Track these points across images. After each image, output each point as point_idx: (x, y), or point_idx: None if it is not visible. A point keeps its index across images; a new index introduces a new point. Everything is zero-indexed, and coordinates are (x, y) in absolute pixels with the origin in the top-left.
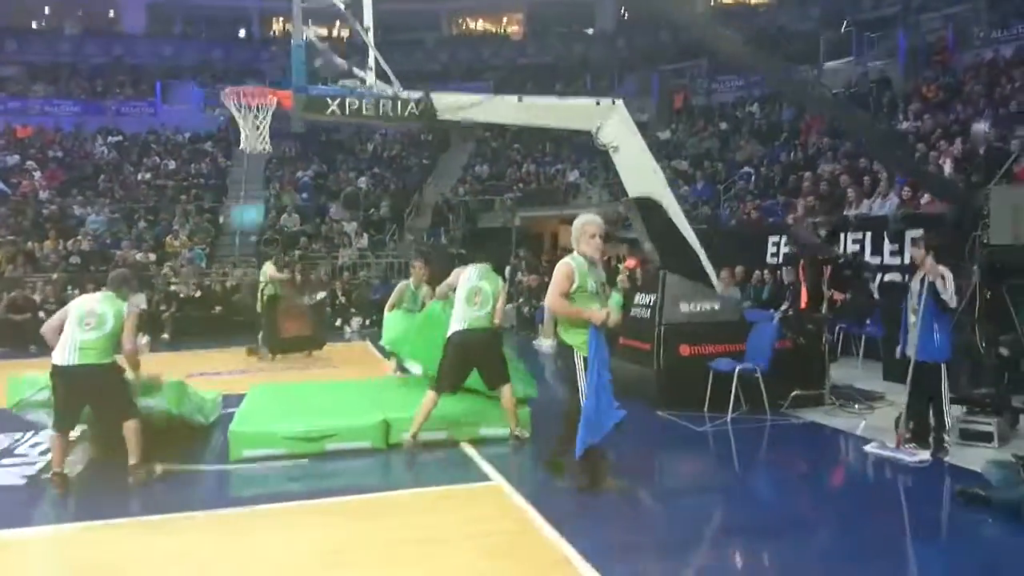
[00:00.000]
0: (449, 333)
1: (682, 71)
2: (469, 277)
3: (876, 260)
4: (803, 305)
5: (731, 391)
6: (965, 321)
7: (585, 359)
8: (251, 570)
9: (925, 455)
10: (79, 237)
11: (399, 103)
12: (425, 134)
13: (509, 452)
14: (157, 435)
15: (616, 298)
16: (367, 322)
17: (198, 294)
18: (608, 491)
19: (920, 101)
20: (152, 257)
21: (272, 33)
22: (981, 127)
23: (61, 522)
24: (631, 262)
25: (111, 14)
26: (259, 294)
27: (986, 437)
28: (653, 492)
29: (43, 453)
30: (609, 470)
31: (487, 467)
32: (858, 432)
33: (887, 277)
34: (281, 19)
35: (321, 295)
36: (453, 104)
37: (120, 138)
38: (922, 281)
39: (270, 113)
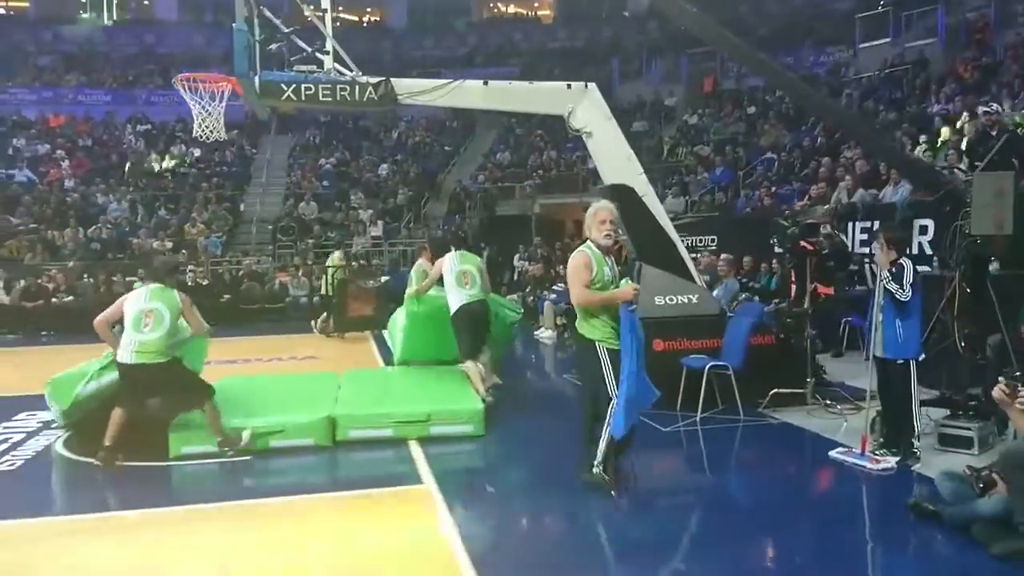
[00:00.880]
0: (453, 310)
1: (713, 54)
2: (452, 264)
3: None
4: (792, 298)
5: (704, 389)
6: (945, 318)
7: (610, 351)
8: None
9: (890, 462)
10: (98, 225)
11: (356, 88)
12: (450, 121)
13: (454, 453)
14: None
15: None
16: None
17: (206, 282)
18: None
19: (955, 82)
20: (169, 245)
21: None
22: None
23: None
24: None
25: (145, 2)
26: (329, 279)
27: (966, 443)
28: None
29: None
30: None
31: (424, 469)
32: (840, 434)
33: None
34: (311, 7)
35: (384, 279)
36: (414, 88)
37: (148, 127)
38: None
39: (225, 99)
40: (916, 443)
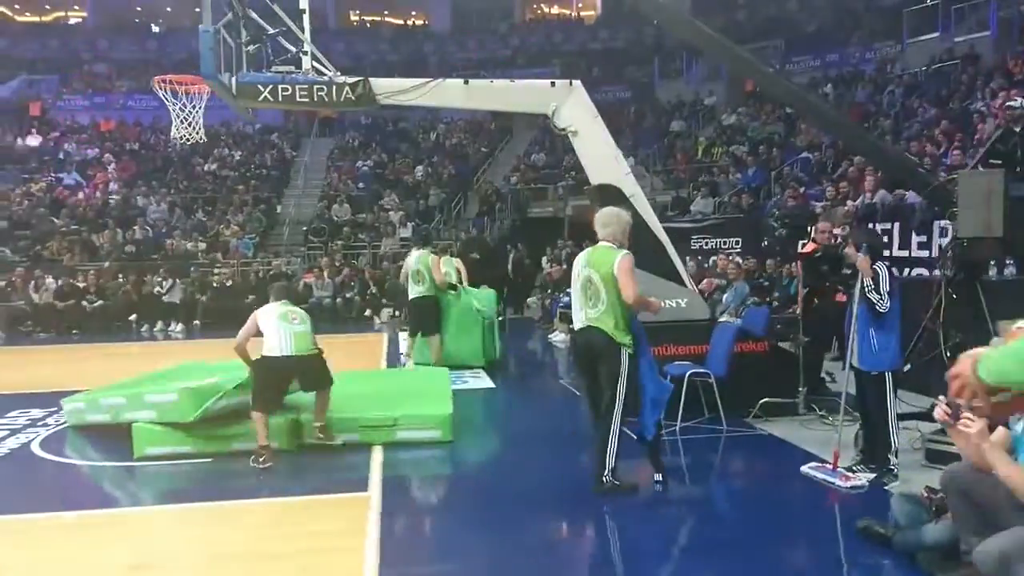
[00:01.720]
0: (410, 300)
1: (755, 52)
2: (409, 263)
3: (904, 253)
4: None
5: (693, 397)
6: (933, 326)
7: (631, 355)
8: None
9: (862, 480)
10: (135, 227)
11: (334, 88)
12: (488, 122)
13: (414, 460)
14: None
15: None
16: (396, 313)
17: (229, 283)
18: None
19: (1003, 77)
20: (202, 246)
21: (352, 23)
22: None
23: None
24: None
25: (196, 10)
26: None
27: (955, 459)
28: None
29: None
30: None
31: (377, 475)
32: (827, 447)
33: (914, 271)
34: (358, 11)
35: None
36: (392, 88)
37: None
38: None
39: (203, 101)
40: (894, 459)
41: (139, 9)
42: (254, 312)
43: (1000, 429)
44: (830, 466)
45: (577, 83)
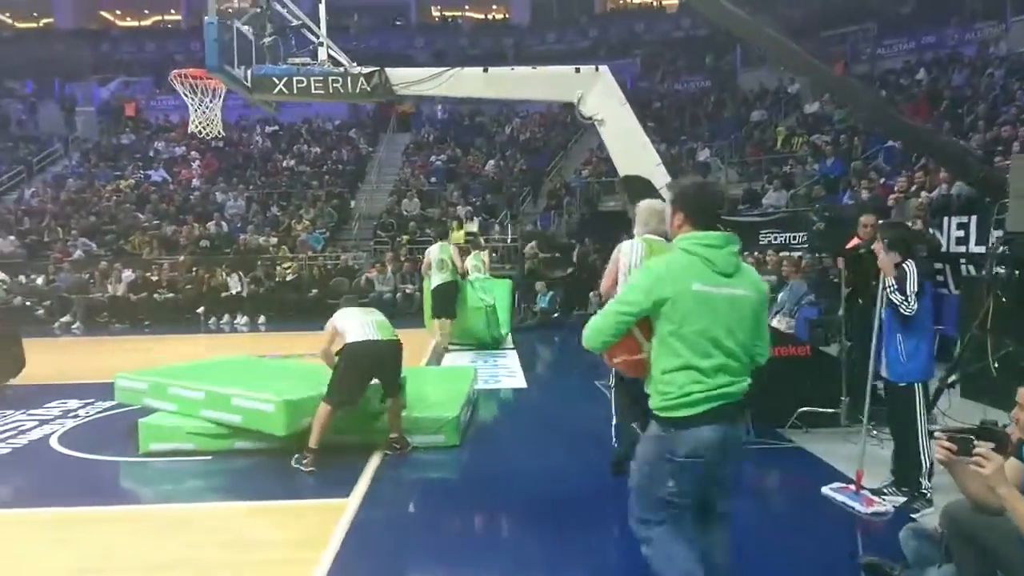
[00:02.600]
0: (432, 287)
1: (844, 37)
2: (433, 254)
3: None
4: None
5: None
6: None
7: None
8: None
9: (887, 506)
10: (211, 222)
11: (348, 79)
12: (564, 115)
13: (411, 465)
14: None
15: None
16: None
17: (289, 277)
18: None
19: None
20: (273, 240)
21: (433, 18)
22: None
23: None
24: None
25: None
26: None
27: None
28: (514, 528)
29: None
30: None
31: (365, 481)
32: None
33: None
34: (439, 6)
35: (569, 270)
36: (410, 78)
37: (276, 127)
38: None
39: (221, 96)
40: (926, 482)
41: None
42: (330, 320)
43: (1012, 462)
44: (853, 488)
45: (604, 69)
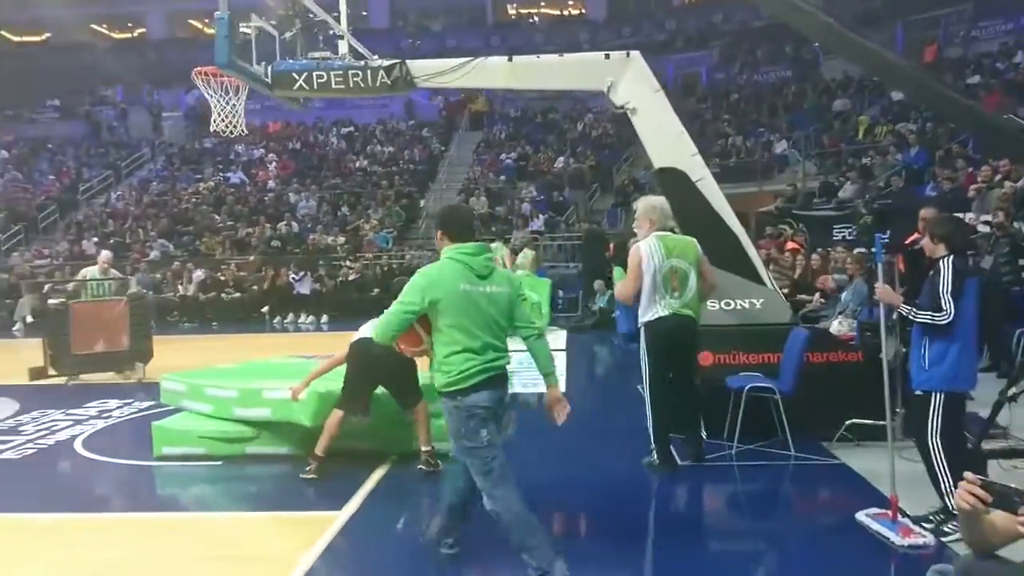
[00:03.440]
0: None
1: (936, 20)
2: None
3: None
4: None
5: (763, 414)
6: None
7: None
8: None
9: (927, 536)
10: (281, 223)
11: (369, 73)
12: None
13: (418, 476)
14: None
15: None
16: None
17: (351, 276)
18: None
19: None
20: (341, 240)
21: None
22: None
23: None
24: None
25: (363, 13)
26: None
27: None
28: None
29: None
30: None
31: (362, 493)
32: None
33: None
34: (515, 4)
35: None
36: (431, 69)
37: (351, 128)
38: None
39: (243, 93)
40: (951, 502)
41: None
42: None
43: None
44: (890, 514)
45: (635, 54)
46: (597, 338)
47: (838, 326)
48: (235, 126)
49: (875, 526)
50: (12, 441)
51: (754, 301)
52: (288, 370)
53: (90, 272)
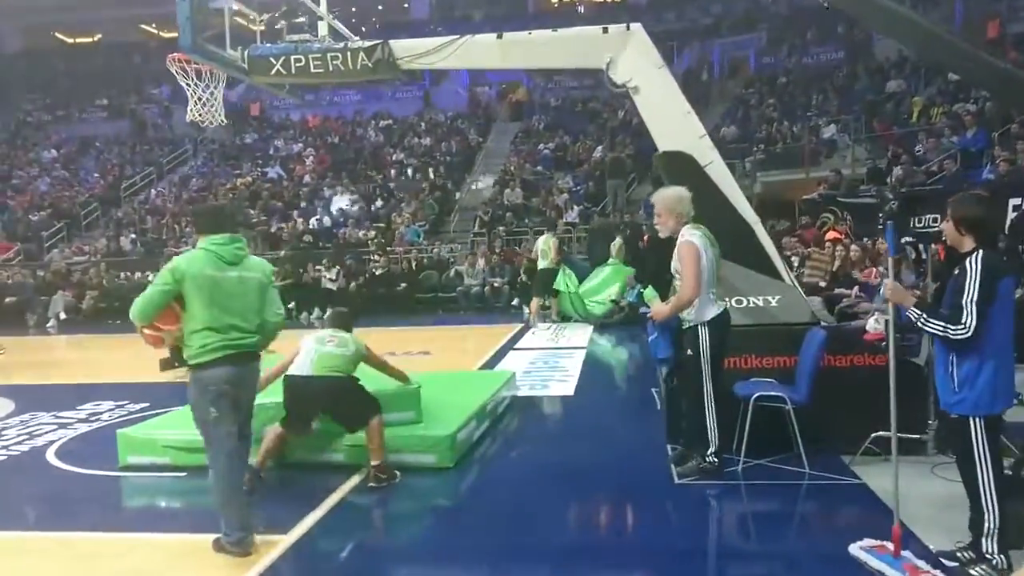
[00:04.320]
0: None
1: None
2: (539, 244)
3: None
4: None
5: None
6: None
7: None
8: None
9: None
10: (315, 217)
11: (348, 55)
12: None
13: (385, 493)
14: None
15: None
16: (546, 303)
17: (378, 271)
18: None
19: None
20: (372, 234)
21: (551, 5)
22: None
23: None
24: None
25: (404, 5)
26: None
27: None
28: None
29: None
30: None
31: (318, 513)
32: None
33: None
34: None
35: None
36: (415, 50)
37: (390, 121)
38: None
39: (222, 81)
40: (987, 543)
41: (353, 10)
42: None
43: None
44: (890, 547)
45: (636, 27)
46: (623, 333)
47: (874, 324)
48: (213, 115)
49: (875, 563)
50: None
51: (769, 298)
52: None
53: None
